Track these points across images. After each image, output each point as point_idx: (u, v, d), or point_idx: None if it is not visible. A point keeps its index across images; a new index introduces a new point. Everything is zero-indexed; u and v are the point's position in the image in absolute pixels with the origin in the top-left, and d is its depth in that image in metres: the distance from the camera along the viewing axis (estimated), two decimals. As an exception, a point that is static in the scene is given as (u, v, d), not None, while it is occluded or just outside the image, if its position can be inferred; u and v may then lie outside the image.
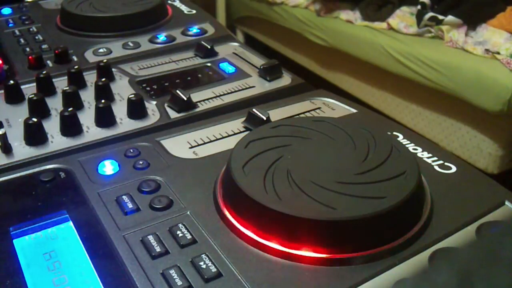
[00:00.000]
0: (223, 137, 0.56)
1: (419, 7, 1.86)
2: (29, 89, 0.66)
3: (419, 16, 1.81)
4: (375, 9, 1.98)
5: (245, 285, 0.37)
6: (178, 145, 0.55)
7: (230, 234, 0.41)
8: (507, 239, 0.40)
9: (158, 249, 0.40)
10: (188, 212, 0.44)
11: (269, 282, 0.37)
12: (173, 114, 0.62)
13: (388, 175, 0.42)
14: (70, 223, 0.44)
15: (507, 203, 0.44)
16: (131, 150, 0.53)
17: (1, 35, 0.84)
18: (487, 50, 1.62)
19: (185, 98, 0.62)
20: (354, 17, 2.04)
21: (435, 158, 0.50)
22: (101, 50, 0.78)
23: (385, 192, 0.40)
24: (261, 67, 0.70)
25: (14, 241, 0.42)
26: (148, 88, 0.68)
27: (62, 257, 0.41)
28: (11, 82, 0.64)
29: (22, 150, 0.54)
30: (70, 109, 0.57)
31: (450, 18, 1.74)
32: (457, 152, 1.76)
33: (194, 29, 0.85)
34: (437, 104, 1.80)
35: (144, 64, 0.75)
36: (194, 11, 0.94)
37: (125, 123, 0.60)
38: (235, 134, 0.57)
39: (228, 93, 0.66)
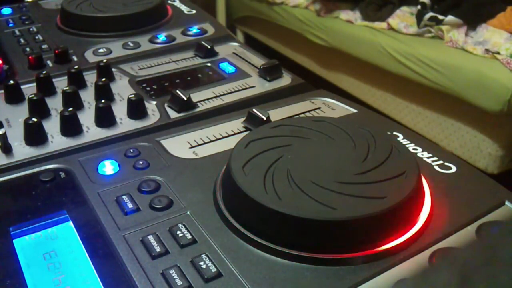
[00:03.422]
0: (223, 137, 0.56)
1: (419, 7, 1.86)
2: (29, 89, 0.66)
3: (419, 16, 1.81)
4: (375, 9, 1.98)
5: (245, 285, 0.37)
6: (178, 145, 0.55)
7: (230, 234, 0.41)
8: (507, 239, 0.40)
9: (158, 249, 0.40)
10: (188, 212, 0.44)
11: (269, 282, 0.37)
12: (173, 114, 0.62)
13: (388, 175, 0.42)
14: (70, 223, 0.44)
15: (507, 203, 0.44)
16: (131, 150, 0.53)
17: (1, 35, 0.84)
18: (487, 50, 1.62)
19: (185, 98, 0.62)
20: (354, 17, 2.04)
21: (435, 158, 0.50)
22: (101, 50, 0.78)
23: (385, 192, 0.40)
24: (261, 67, 0.70)
25: (14, 241, 0.42)
26: (148, 88, 0.68)
27: (62, 257, 0.41)
28: (11, 82, 0.64)
29: (22, 150, 0.54)
30: (70, 109, 0.57)
31: (450, 18, 1.74)
32: (457, 152, 1.76)
33: (194, 29, 0.85)
34: (437, 104, 1.80)
35: (144, 64, 0.75)
36: (194, 11, 0.94)
37: (125, 123, 0.60)
38: (235, 134, 0.57)
39: (228, 93, 0.66)
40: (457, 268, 0.36)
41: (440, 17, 1.75)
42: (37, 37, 0.83)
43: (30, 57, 0.73)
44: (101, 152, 0.53)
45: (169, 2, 0.96)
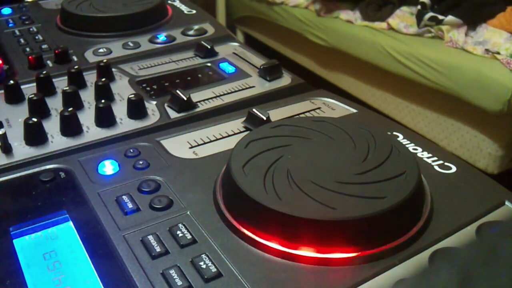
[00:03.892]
0: (223, 137, 0.56)
1: (419, 7, 1.86)
2: (29, 89, 0.66)
3: (419, 16, 1.81)
4: (375, 9, 1.98)
5: (245, 285, 0.37)
6: (178, 145, 0.55)
7: (230, 234, 0.41)
8: (507, 239, 0.40)
9: (158, 249, 0.40)
10: (188, 212, 0.44)
11: (269, 282, 0.37)
12: (173, 114, 0.62)
13: (388, 175, 0.42)
14: (70, 223, 0.44)
15: (507, 203, 0.44)
16: (131, 150, 0.53)
17: (1, 35, 0.84)
18: (487, 50, 1.62)
19: (185, 98, 0.62)
20: (354, 17, 2.04)
21: (435, 158, 0.50)
22: (101, 50, 0.78)
23: (385, 192, 0.40)
24: (261, 67, 0.70)
25: (14, 241, 0.42)
26: (148, 88, 0.68)
27: (62, 257, 0.41)
28: (11, 82, 0.64)
29: (22, 150, 0.54)
30: (70, 109, 0.57)
31: (450, 18, 1.74)
32: (457, 152, 1.76)
33: (194, 29, 0.85)
34: (437, 104, 1.80)
35: (144, 64, 0.75)
36: (194, 11, 0.94)
37: (125, 123, 0.60)
38: (235, 134, 0.57)
39: (228, 93, 0.66)
40: (457, 268, 0.36)
41: (440, 17, 1.75)
42: (37, 37, 0.83)
43: (30, 57, 0.73)
44: (101, 152, 0.53)
45: (169, 2, 0.96)
